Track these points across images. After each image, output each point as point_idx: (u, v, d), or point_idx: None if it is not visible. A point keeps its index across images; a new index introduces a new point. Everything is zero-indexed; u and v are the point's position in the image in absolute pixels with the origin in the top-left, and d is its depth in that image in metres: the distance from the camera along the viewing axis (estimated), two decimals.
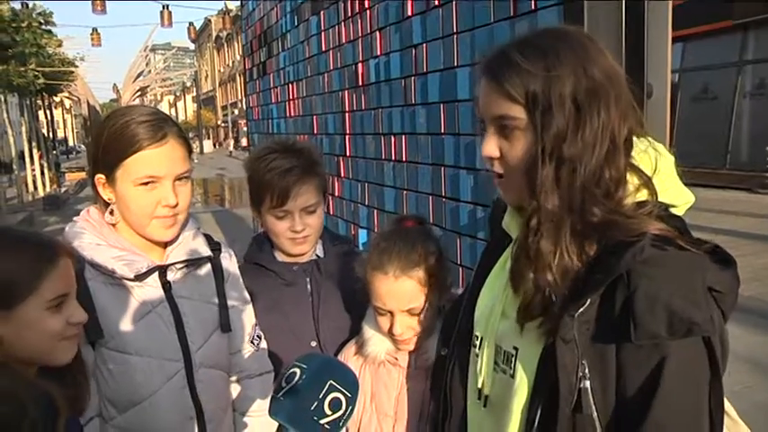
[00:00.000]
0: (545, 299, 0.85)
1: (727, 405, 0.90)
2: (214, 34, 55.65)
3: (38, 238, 1.04)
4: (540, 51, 0.86)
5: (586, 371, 0.80)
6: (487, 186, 1.93)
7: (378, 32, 2.69)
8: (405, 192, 2.61)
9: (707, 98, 13.97)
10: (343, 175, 3.33)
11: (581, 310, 0.79)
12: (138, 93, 25.31)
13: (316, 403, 0.77)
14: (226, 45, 54.32)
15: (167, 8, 20.09)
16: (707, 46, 13.20)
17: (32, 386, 0.89)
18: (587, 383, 0.80)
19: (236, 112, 51.43)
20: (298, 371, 0.80)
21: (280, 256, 1.60)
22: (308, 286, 1.58)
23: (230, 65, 53.32)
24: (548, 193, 0.83)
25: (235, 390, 1.46)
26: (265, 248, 1.60)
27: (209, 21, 55.02)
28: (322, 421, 0.77)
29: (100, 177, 1.26)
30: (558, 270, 0.83)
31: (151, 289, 1.28)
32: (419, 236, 1.33)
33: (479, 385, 0.99)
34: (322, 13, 3.32)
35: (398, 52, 2.53)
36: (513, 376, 0.91)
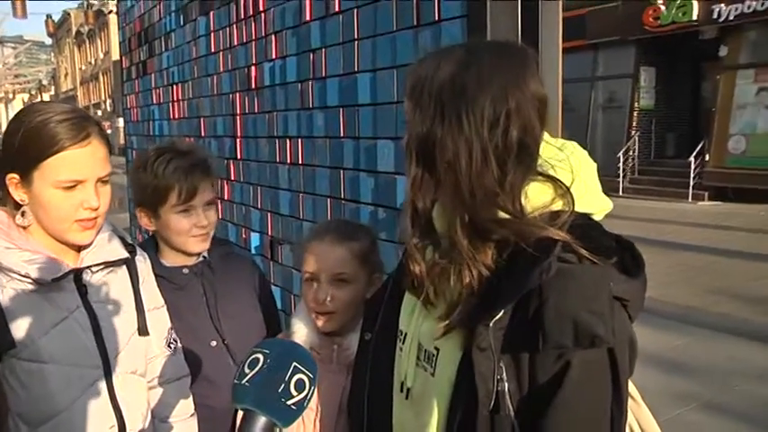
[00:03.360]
0: (461, 302, 0.88)
1: (632, 388, 0.98)
2: (74, 29, 51.92)
3: None
4: (430, 53, 0.93)
5: (504, 374, 0.83)
6: (389, 188, 2.00)
7: (273, 36, 2.68)
8: (301, 194, 2.62)
9: (566, 109, 15.07)
10: (233, 177, 3.27)
11: (495, 319, 0.83)
12: None
13: (283, 385, 0.79)
14: (88, 41, 50.83)
15: None
16: (565, 62, 14.29)
17: None
18: (505, 386, 0.84)
19: (100, 113, 48.31)
20: (261, 356, 0.81)
21: (167, 261, 1.61)
22: (201, 288, 1.61)
23: (93, 63, 49.96)
24: (412, 192, 0.90)
25: (153, 395, 1.42)
26: (151, 255, 1.58)
27: (69, 14, 51.30)
28: (289, 402, 0.79)
29: (13, 177, 1.19)
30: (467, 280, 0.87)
31: (66, 294, 1.22)
32: (357, 223, 1.54)
33: (402, 378, 1.02)
34: (212, 14, 3.25)
35: (295, 56, 2.54)
36: (433, 374, 0.94)
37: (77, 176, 1.18)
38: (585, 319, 0.78)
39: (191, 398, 1.50)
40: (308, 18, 2.40)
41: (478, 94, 0.84)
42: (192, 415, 1.50)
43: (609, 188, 13.31)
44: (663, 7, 13.83)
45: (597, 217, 0.94)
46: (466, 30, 1.53)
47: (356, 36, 2.11)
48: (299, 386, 0.80)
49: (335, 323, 1.37)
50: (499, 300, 0.83)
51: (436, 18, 1.68)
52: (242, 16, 2.93)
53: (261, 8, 2.75)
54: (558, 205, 0.88)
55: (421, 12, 1.77)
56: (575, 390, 0.81)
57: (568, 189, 0.88)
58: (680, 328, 5.48)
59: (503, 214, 0.85)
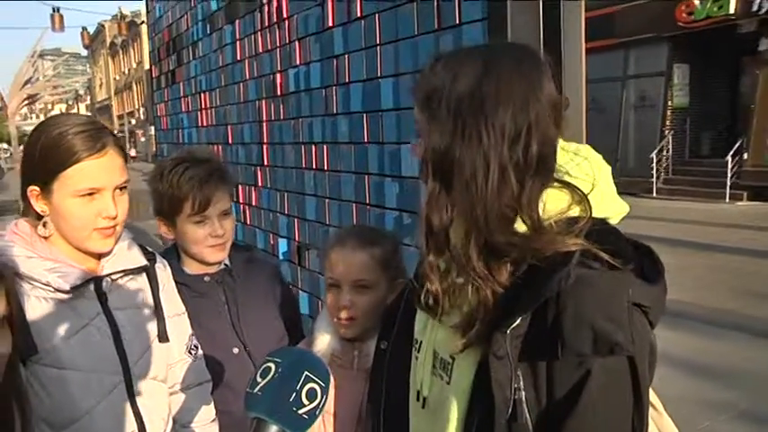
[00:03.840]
0: (479, 317, 0.86)
1: (653, 396, 0.97)
2: (108, 40, 53.20)
3: None
4: (442, 56, 0.90)
5: (521, 383, 0.82)
6: (414, 193, 1.99)
7: (297, 42, 2.70)
8: (327, 200, 2.63)
9: (597, 109, 14.89)
10: (260, 184, 3.30)
11: (512, 326, 0.81)
12: (27, 100, 23.75)
13: (294, 394, 0.79)
14: (121, 52, 52.02)
15: (59, 11, 19.04)
16: (595, 61, 14.11)
17: None
18: (522, 394, 0.82)
19: (134, 121, 49.34)
20: (272, 365, 0.81)
21: (189, 269, 1.62)
22: (223, 296, 1.62)
23: (126, 72, 51.09)
24: (428, 208, 0.87)
25: (174, 401, 1.43)
26: (173, 263, 1.59)
27: (103, 26, 52.55)
28: (300, 411, 0.79)
29: (34, 189, 1.22)
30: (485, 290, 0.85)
31: (87, 301, 1.24)
32: (380, 229, 1.54)
33: (418, 387, 1.01)
34: (237, 22, 3.28)
35: (319, 62, 2.55)
36: (449, 383, 0.93)
37: (95, 185, 1.21)
38: (604, 326, 0.77)
39: (212, 404, 1.51)
40: (330, 24, 2.41)
41: (498, 108, 0.82)
42: (213, 421, 1.51)
43: (642, 189, 13.10)
44: (697, 2, 13.53)
45: (614, 221, 0.93)
46: (486, 32, 1.51)
47: (378, 41, 2.10)
48: (311, 395, 0.80)
49: (357, 329, 1.36)
50: (517, 308, 0.82)
51: (457, 21, 1.67)
52: (266, 24, 2.96)
53: (285, 15, 2.77)
54: (576, 211, 0.86)
55: (442, 15, 1.76)
56: (595, 398, 0.80)
57: (585, 195, 0.87)
58: (715, 332, 5.31)
59: (519, 226, 0.84)
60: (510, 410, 0.82)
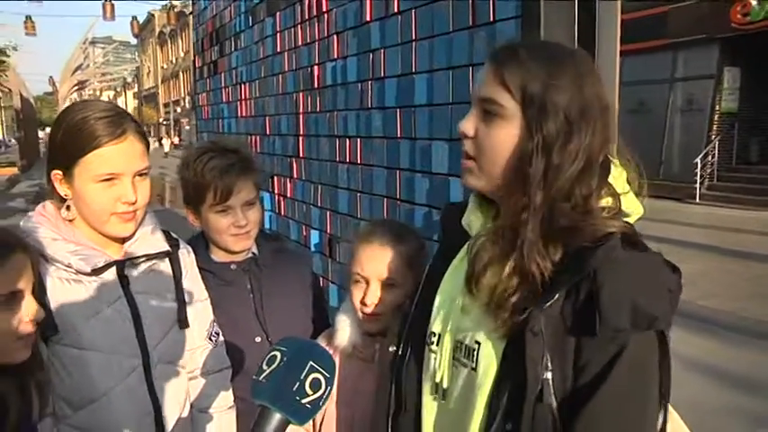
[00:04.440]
0: (515, 288, 0.89)
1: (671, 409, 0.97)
2: (157, 30, 54.29)
3: None
4: (546, 56, 0.92)
5: (549, 363, 0.85)
6: (443, 189, 1.99)
7: (335, 36, 2.72)
8: (359, 194, 2.64)
9: (642, 111, 14.56)
10: (295, 176, 3.34)
11: (549, 303, 0.84)
12: (77, 86, 24.42)
13: (298, 384, 0.80)
14: (169, 41, 53.05)
15: (110, 0, 19.53)
16: (642, 62, 13.78)
17: None
18: (549, 375, 0.85)
19: (179, 110, 50.27)
20: (278, 354, 0.83)
21: (216, 257, 1.64)
22: (249, 284, 1.63)
23: (173, 61, 52.09)
24: (537, 188, 0.89)
25: (192, 386, 1.46)
26: (201, 250, 1.62)
27: (153, 15, 53.65)
28: (304, 401, 0.80)
29: (57, 173, 1.25)
30: (534, 261, 0.88)
31: (109, 284, 1.27)
32: (406, 225, 1.54)
33: (437, 380, 1.02)
34: (278, 14, 3.32)
35: (356, 56, 2.56)
36: (475, 369, 0.95)
37: (114, 171, 1.23)
38: (644, 301, 0.81)
39: (230, 390, 1.53)
40: (368, 18, 2.42)
41: (596, 113, 0.91)
42: (230, 407, 1.53)
43: (685, 195, 12.78)
44: (754, 2, 13.06)
45: (631, 220, 0.96)
46: (520, 30, 1.50)
47: (414, 37, 2.11)
48: (315, 385, 0.81)
49: (382, 324, 1.37)
50: (557, 283, 0.85)
51: (491, 18, 1.66)
52: (306, 17, 2.98)
53: (324, 8, 2.80)
54: (609, 202, 0.93)
55: (477, 12, 1.75)
56: (625, 373, 0.83)
57: (615, 189, 0.94)
58: (757, 344, 5.17)
59: (573, 217, 0.89)
60: (538, 390, 0.85)
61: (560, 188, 0.88)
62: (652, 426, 0.87)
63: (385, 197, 2.43)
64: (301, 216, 3.29)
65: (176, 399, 1.38)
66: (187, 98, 45.07)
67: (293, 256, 1.85)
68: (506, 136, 0.92)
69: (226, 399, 1.52)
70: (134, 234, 1.32)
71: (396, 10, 2.22)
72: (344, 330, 1.41)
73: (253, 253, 1.67)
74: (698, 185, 13.84)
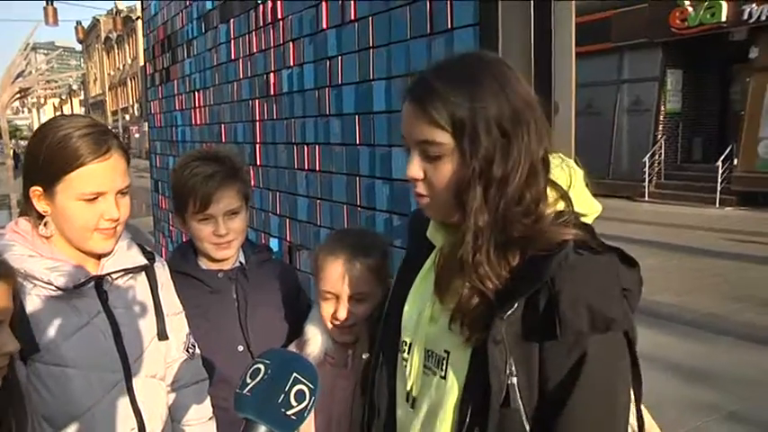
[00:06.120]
0: (476, 304, 0.91)
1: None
2: (103, 35, 52.96)
3: None
4: (462, 80, 0.92)
5: (513, 368, 0.87)
6: (403, 195, 2.00)
7: (291, 43, 2.71)
8: (318, 201, 2.64)
9: (591, 113, 14.95)
10: (252, 184, 3.30)
11: (509, 312, 0.86)
12: (19, 94, 23.55)
13: (282, 396, 0.80)
14: (116, 47, 51.82)
15: (52, 4, 18.90)
16: (589, 65, 14.18)
17: None
18: (514, 380, 0.87)
19: (128, 117, 49.15)
20: (262, 366, 0.82)
21: (204, 264, 1.63)
22: (234, 293, 1.62)
23: (121, 68, 50.91)
24: (478, 212, 0.90)
25: (171, 398, 1.45)
26: (189, 257, 1.62)
27: (98, 21, 52.33)
28: (289, 412, 0.79)
29: (36, 189, 1.23)
30: (488, 278, 0.90)
31: (88, 300, 1.26)
32: (369, 233, 1.52)
33: (408, 388, 1.04)
34: (232, 21, 3.29)
35: (312, 63, 2.56)
36: (444, 377, 0.96)
37: (99, 189, 1.22)
38: (600, 304, 0.83)
39: (208, 401, 1.52)
40: (324, 26, 2.42)
41: (528, 115, 0.91)
42: (210, 418, 1.52)
43: (634, 193, 13.25)
44: (690, 9, 13.62)
45: (588, 219, 0.99)
46: (478, 38, 1.53)
47: (371, 44, 2.12)
48: (300, 397, 0.81)
49: (354, 334, 1.37)
50: (515, 293, 0.87)
51: (449, 26, 1.68)
52: (261, 24, 2.96)
53: (279, 15, 2.78)
54: (561, 206, 0.94)
55: (434, 19, 1.77)
56: (594, 375, 0.85)
57: (566, 192, 0.95)
58: (703, 335, 5.38)
59: (527, 224, 0.90)
60: (503, 396, 0.87)
61: (512, 196, 0.89)
62: (623, 429, 0.89)
63: (345, 204, 2.43)
64: (260, 224, 3.26)
65: (158, 412, 1.37)
66: (136, 106, 44.09)
67: (277, 268, 1.82)
68: (450, 171, 0.93)
69: (204, 410, 1.51)
70: (112, 250, 1.31)
71: (352, 17, 2.22)
72: (315, 338, 1.41)
73: (240, 262, 1.66)
74: (646, 184, 14.31)
